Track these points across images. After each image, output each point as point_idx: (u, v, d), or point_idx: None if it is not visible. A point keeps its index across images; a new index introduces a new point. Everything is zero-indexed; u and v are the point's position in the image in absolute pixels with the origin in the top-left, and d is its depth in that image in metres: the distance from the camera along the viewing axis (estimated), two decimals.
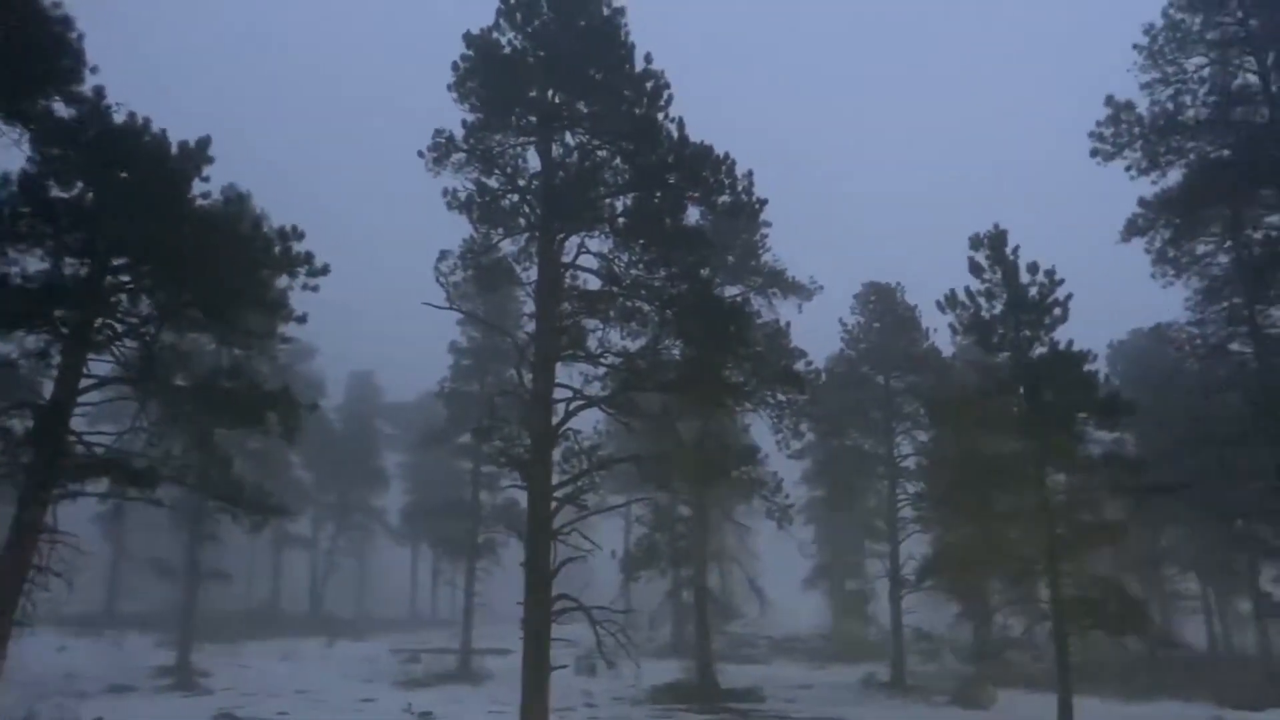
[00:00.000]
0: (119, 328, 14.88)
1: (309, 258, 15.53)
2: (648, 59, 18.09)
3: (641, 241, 17.96)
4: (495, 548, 36.71)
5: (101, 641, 35.55)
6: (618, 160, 18.43)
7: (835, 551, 44.51)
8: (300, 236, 15.57)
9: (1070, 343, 21.11)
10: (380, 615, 58.23)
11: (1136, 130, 24.04)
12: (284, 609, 52.05)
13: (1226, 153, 23.80)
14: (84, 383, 14.50)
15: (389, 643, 42.02)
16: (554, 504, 17.73)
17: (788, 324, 28.63)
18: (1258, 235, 23.75)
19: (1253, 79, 23.78)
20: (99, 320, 14.67)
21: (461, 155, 18.54)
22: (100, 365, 14.91)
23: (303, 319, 16.13)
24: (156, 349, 14.96)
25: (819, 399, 30.59)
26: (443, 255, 19.41)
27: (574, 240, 18.55)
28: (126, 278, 14.96)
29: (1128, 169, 24.31)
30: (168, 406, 15.37)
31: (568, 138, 18.86)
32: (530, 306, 20.65)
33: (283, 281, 15.62)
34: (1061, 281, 21.40)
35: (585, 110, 18.60)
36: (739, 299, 28.19)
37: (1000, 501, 21.53)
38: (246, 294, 15.23)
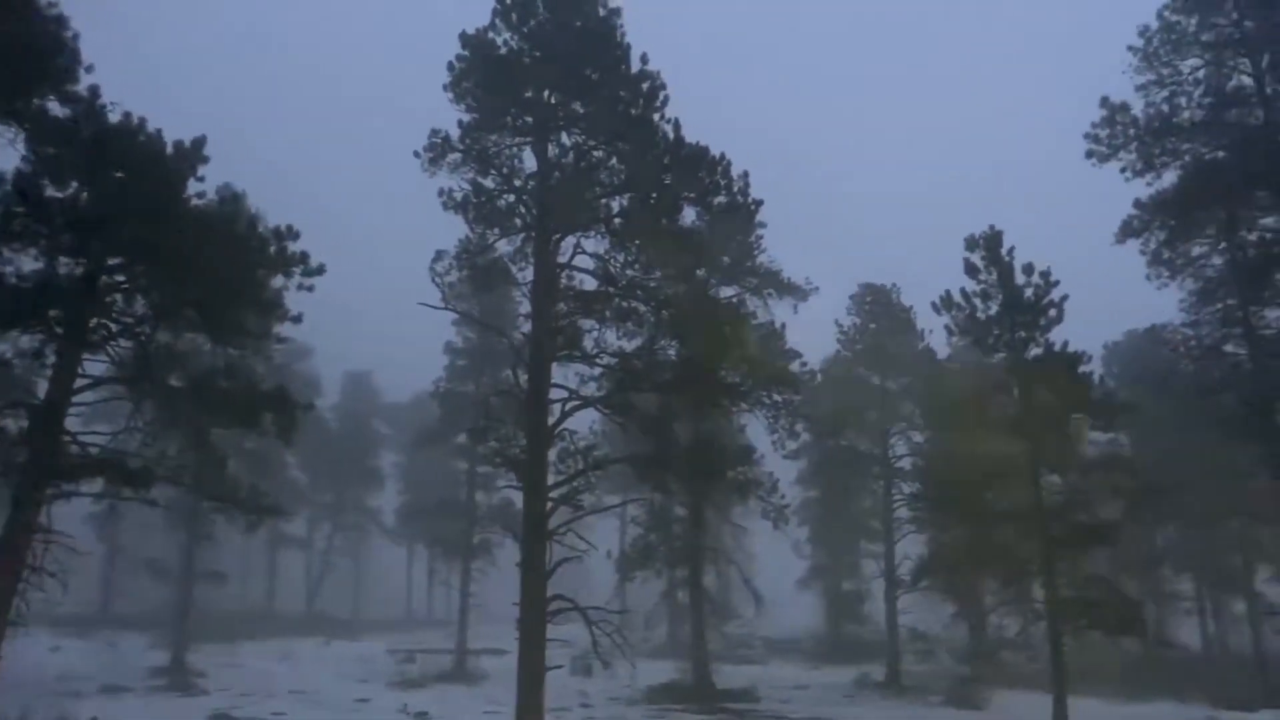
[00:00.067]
0: (114, 327, 14.87)
1: (304, 257, 15.52)
2: (644, 59, 18.13)
3: (637, 242, 17.98)
4: (491, 548, 36.73)
5: (96, 642, 35.41)
6: (613, 161, 18.46)
7: (831, 552, 44.45)
8: (296, 236, 15.55)
9: (1065, 344, 21.17)
10: (376, 615, 58.12)
11: (1131, 132, 24.06)
12: (279, 609, 52.00)
13: (1221, 154, 23.81)
14: (79, 382, 14.49)
15: (385, 643, 41.90)
16: (550, 504, 17.75)
17: (783, 325, 28.70)
18: (1252, 237, 23.77)
19: (1247, 81, 23.81)
20: (94, 320, 14.66)
21: (457, 155, 18.55)
22: (95, 365, 14.92)
23: (298, 319, 16.07)
24: (151, 349, 14.95)
25: (815, 399, 30.67)
26: (438, 255, 19.36)
27: (570, 241, 18.59)
28: (121, 277, 14.94)
29: (1123, 170, 24.33)
30: (163, 406, 15.31)
31: (563, 138, 18.88)
32: (526, 307, 20.69)
33: (278, 281, 15.58)
34: (1057, 283, 21.46)
35: (581, 111, 18.61)
36: (734, 300, 28.29)
37: (995, 502, 21.55)
38: (242, 294, 15.21)
